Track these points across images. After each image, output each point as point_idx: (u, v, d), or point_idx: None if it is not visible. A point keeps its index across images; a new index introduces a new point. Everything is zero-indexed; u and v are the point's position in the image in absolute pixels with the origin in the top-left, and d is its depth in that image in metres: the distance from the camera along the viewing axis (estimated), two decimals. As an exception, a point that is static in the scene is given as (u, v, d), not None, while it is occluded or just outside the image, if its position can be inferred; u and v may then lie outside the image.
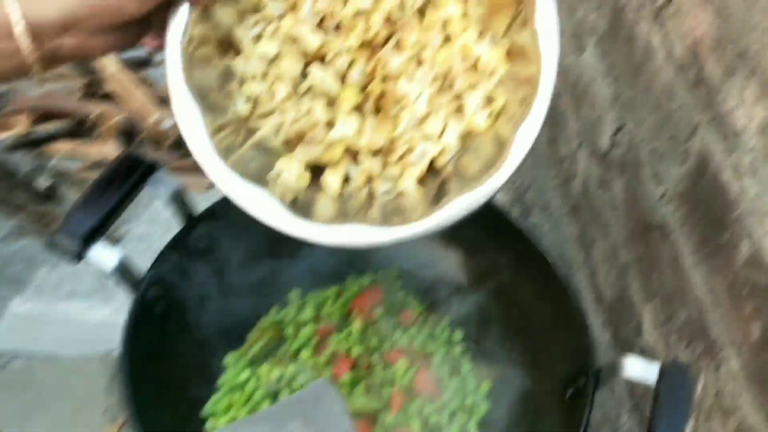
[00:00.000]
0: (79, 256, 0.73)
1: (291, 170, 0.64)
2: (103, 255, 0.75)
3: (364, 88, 0.67)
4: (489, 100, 0.67)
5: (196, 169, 1.51)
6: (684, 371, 0.67)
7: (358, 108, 0.67)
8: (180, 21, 0.60)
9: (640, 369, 0.70)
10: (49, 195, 1.41)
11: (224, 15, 0.65)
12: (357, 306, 0.99)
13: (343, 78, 0.67)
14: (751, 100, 0.76)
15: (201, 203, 0.91)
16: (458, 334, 1.00)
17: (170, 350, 0.87)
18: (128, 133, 1.52)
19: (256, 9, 0.67)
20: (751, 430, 0.78)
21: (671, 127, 0.93)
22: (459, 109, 0.67)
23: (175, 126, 1.46)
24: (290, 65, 0.65)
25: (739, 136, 0.78)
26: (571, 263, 1.27)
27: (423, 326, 1.00)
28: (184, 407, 0.85)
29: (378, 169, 0.66)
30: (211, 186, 1.55)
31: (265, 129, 0.65)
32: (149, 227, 1.41)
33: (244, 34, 0.67)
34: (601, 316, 1.19)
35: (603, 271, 1.18)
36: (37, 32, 0.55)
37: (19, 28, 0.54)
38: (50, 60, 0.58)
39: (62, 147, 1.50)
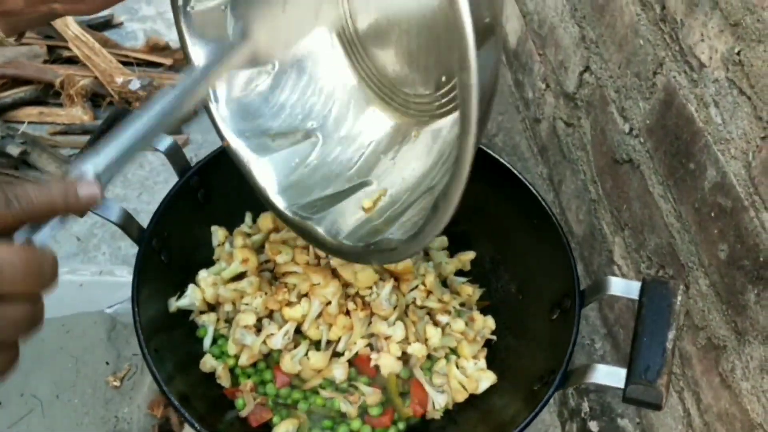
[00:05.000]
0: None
1: None
2: (106, 208, 0.77)
3: None
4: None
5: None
6: (664, 284, 0.73)
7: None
8: None
9: (622, 286, 0.76)
10: (22, 161, 1.40)
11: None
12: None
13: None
14: (714, 32, 0.80)
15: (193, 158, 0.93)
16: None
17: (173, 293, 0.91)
18: (96, 95, 1.51)
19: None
20: (720, 342, 0.85)
21: (637, 63, 0.97)
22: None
23: (143, 87, 1.47)
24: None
25: (703, 69, 0.82)
26: (542, 202, 1.32)
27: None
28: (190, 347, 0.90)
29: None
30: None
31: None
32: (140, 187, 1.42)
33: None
34: (573, 251, 1.24)
35: (573, 208, 1.23)
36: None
37: None
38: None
39: (30, 113, 1.48)
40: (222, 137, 0.78)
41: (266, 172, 0.78)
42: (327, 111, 0.79)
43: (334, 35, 0.78)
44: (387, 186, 0.74)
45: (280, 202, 0.78)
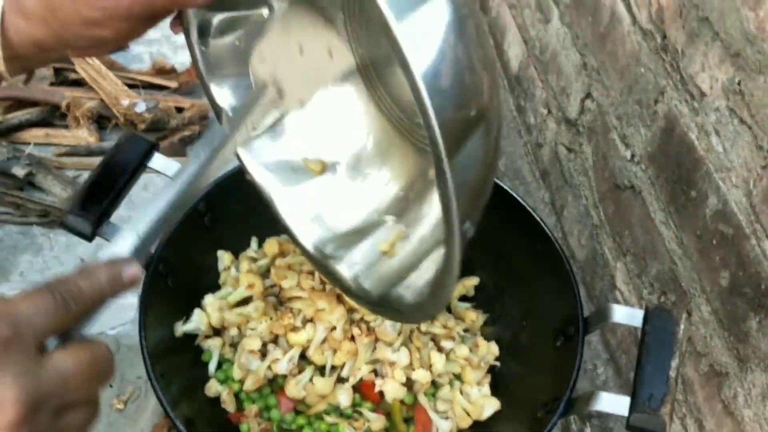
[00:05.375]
0: (93, 235, 0.76)
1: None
2: (115, 233, 0.77)
3: None
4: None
5: (176, 152, 1.52)
6: (667, 313, 0.74)
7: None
8: None
9: (626, 314, 0.77)
10: (28, 182, 1.41)
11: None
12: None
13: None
14: (714, 62, 0.81)
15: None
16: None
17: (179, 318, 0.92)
18: (102, 117, 1.52)
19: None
20: (722, 369, 0.85)
21: (638, 91, 0.99)
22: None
23: (149, 109, 1.48)
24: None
25: (704, 98, 0.84)
26: (544, 226, 1.32)
27: None
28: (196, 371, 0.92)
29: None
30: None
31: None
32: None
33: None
34: (575, 276, 1.25)
35: (575, 232, 1.24)
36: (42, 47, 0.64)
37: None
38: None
39: (36, 134, 1.49)
40: (245, 169, 0.78)
41: (289, 206, 0.78)
42: (347, 144, 0.80)
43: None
44: (405, 226, 0.74)
45: (303, 238, 0.78)
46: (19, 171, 1.39)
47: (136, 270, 0.52)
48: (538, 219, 0.90)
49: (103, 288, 0.49)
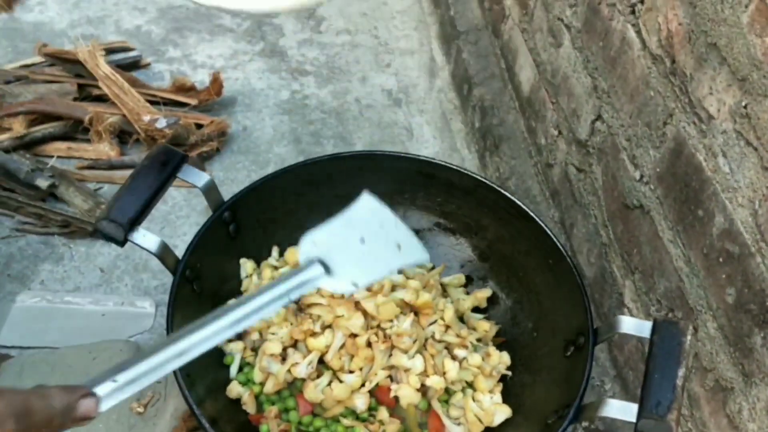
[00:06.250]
0: (125, 240, 0.79)
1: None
2: (146, 239, 0.81)
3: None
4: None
5: (195, 167, 1.55)
6: (674, 324, 0.76)
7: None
8: None
9: (634, 325, 0.79)
10: (50, 193, 1.45)
11: None
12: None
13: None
14: (722, 87, 0.84)
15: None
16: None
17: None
18: (123, 132, 1.56)
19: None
20: (727, 384, 0.87)
21: (647, 114, 1.01)
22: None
23: (169, 125, 1.52)
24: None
25: (712, 121, 0.86)
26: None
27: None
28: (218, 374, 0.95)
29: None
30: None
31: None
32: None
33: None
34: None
35: (584, 251, 1.26)
36: None
37: None
38: None
39: (59, 147, 1.53)
40: None
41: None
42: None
43: None
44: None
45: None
46: (42, 183, 1.43)
47: (90, 407, 0.51)
48: (549, 233, 0.93)
49: (53, 412, 0.48)
